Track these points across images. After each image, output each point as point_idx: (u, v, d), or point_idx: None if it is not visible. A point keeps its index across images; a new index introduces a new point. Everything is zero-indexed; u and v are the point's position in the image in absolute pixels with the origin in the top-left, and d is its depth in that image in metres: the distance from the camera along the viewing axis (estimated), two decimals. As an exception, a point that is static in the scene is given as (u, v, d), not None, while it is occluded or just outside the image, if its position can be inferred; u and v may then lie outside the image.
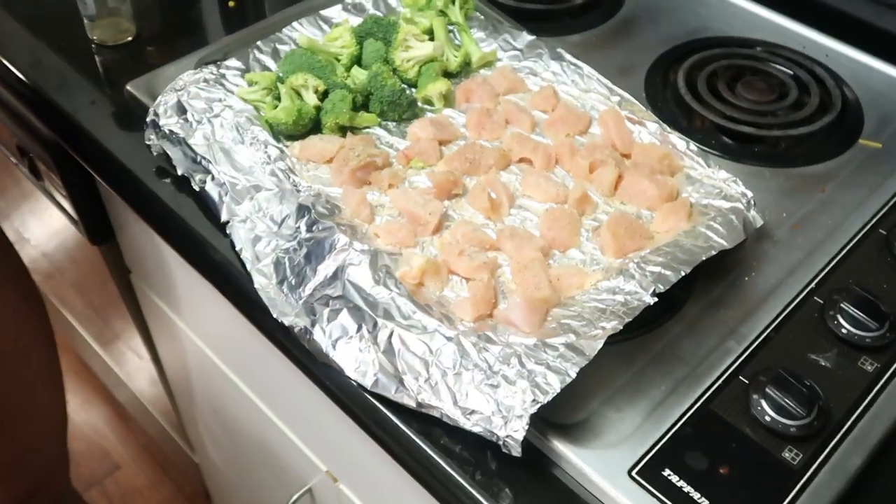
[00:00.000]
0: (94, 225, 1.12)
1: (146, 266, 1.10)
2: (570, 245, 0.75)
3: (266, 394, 1.00)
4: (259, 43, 0.91)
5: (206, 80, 0.85)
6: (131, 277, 1.18)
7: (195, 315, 1.06)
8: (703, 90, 0.94)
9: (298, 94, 0.84)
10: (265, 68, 0.89)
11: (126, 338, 1.46)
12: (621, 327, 0.65)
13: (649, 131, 0.84)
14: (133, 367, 1.58)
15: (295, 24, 0.93)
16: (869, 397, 0.66)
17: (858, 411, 0.65)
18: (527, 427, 0.59)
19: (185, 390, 1.31)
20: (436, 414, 0.63)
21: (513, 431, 0.60)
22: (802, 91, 0.95)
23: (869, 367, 0.68)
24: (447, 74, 0.91)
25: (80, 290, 1.55)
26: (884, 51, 0.99)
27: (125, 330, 1.38)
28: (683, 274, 0.69)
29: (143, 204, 0.86)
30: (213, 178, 0.78)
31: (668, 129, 0.84)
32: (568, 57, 0.92)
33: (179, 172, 0.81)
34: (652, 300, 0.67)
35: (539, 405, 0.60)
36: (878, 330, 0.69)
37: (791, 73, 0.97)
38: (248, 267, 0.73)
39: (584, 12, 1.07)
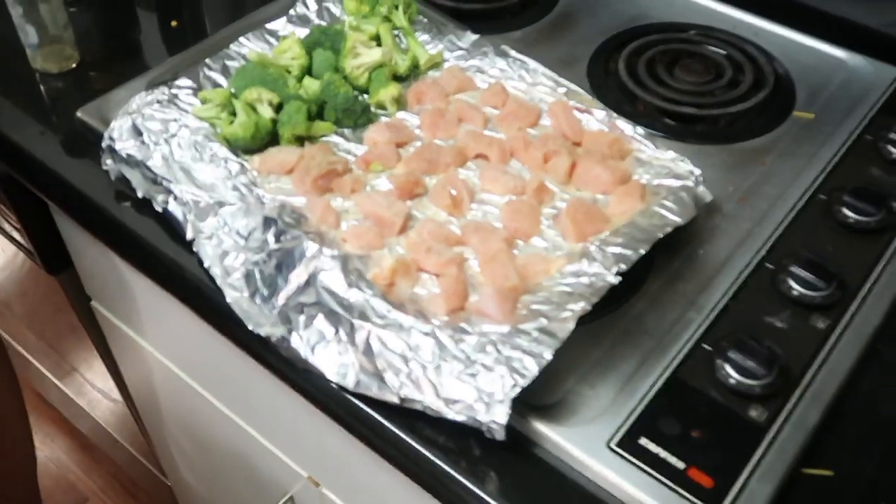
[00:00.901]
0: (51, 255, 1.12)
1: (108, 292, 1.11)
2: (532, 234, 0.78)
3: (241, 407, 1.01)
4: (208, 61, 0.92)
5: (158, 102, 0.86)
6: (92, 304, 1.18)
7: (163, 336, 1.06)
8: (644, 75, 0.98)
9: (254, 109, 0.86)
10: (217, 85, 0.91)
11: (87, 367, 1.45)
12: (590, 308, 0.68)
13: (597, 119, 0.88)
14: (95, 397, 1.57)
15: (241, 39, 0.95)
16: (823, 353, 0.71)
17: (814, 368, 0.70)
18: (509, 411, 0.62)
19: (154, 413, 1.30)
20: (419, 407, 0.66)
21: (496, 416, 0.63)
22: (737, 70, 1.00)
23: (821, 325, 0.73)
24: (397, 78, 0.94)
25: (32, 323, 1.53)
26: (809, 26, 1.05)
27: (86, 359, 1.38)
28: (643, 252, 0.72)
29: (106, 229, 0.87)
30: (175, 198, 0.79)
31: (615, 115, 0.88)
32: (513, 53, 0.95)
33: (140, 195, 0.82)
34: (615, 279, 0.70)
35: (519, 388, 0.63)
36: (826, 289, 0.74)
37: (725, 53, 1.02)
38: (219, 282, 0.75)
39: (522, 9, 1.10)
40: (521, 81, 0.94)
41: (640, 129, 0.86)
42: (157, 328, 1.06)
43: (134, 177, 0.83)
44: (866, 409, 0.69)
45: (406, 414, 0.67)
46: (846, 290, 0.75)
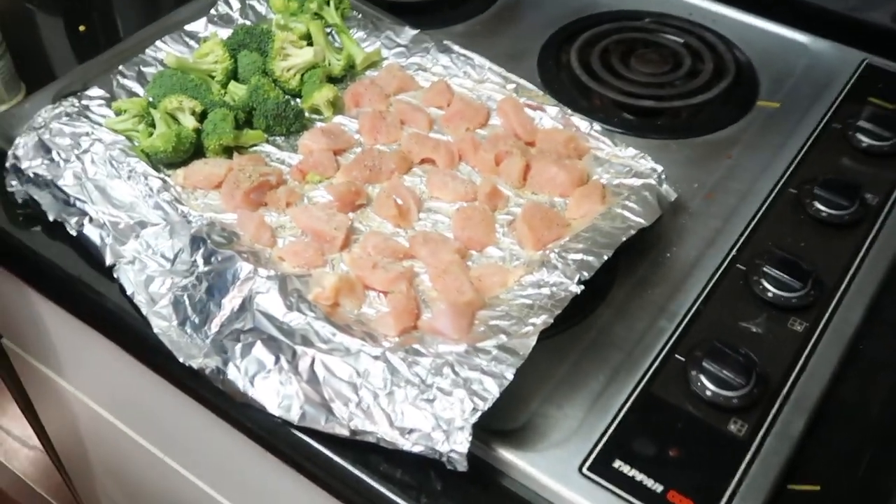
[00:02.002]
0: (-47, 289, 1.08)
1: (21, 327, 1.07)
2: (486, 243, 0.77)
3: (176, 449, 0.98)
4: (121, 67, 0.90)
5: (67, 114, 0.83)
6: (3, 342, 1.14)
7: (85, 375, 1.03)
8: (598, 68, 0.99)
9: (174, 118, 0.84)
10: (132, 94, 0.88)
11: (0, 412, 1.41)
12: (552, 321, 0.67)
13: (550, 116, 0.88)
14: (12, 446, 1.52)
15: (158, 43, 0.93)
16: (802, 358, 0.71)
17: (794, 373, 0.70)
18: (470, 438, 0.61)
19: (79, 460, 1.27)
20: (371, 439, 0.64)
21: (456, 445, 0.61)
22: (696, 59, 1.01)
23: (798, 328, 0.73)
24: (332, 80, 0.93)
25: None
26: (769, 10, 1.06)
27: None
28: (606, 258, 0.72)
29: (14, 258, 0.84)
30: (90, 220, 0.77)
31: (569, 111, 0.88)
32: (456, 48, 0.95)
33: (51, 218, 0.79)
34: (578, 289, 0.70)
35: (479, 413, 0.62)
36: (802, 289, 0.74)
37: (682, 41, 1.03)
38: (144, 311, 0.73)
39: (462, 1, 1.10)
40: (466, 78, 0.93)
41: (596, 126, 0.86)
42: (77, 366, 1.03)
43: (43, 198, 0.80)
44: (852, 414, 0.69)
45: (358, 447, 0.65)
46: (823, 288, 0.75)
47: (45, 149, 0.81)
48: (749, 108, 0.96)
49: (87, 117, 0.84)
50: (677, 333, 0.72)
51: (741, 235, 0.80)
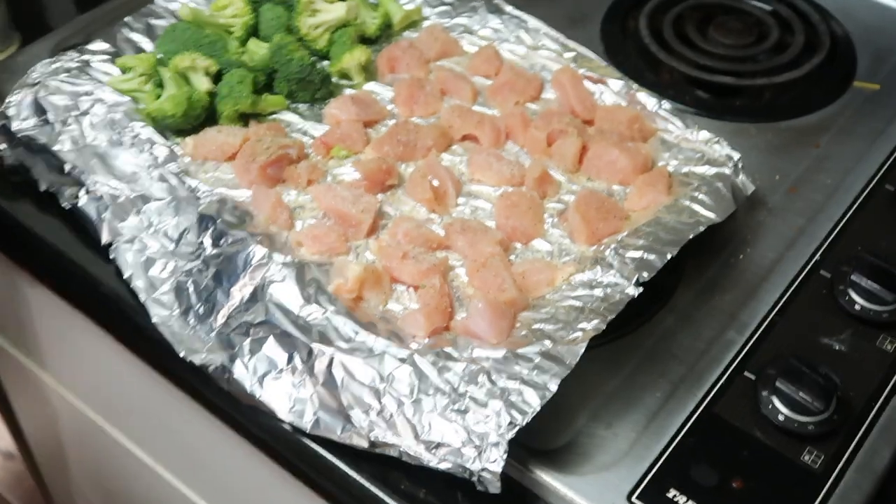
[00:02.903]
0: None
1: (1, 311, 1.09)
2: (533, 235, 0.78)
3: (170, 456, 1.00)
4: (128, 19, 0.91)
5: (67, 70, 0.85)
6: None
7: (71, 368, 1.05)
8: (671, 37, 0.99)
9: (185, 79, 0.85)
10: (139, 50, 0.90)
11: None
12: (604, 326, 0.68)
13: (613, 91, 0.88)
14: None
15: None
16: (892, 381, 0.71)
17: (882, 399, 0.70)
18: (505, 456, 0.62)
19: (58, 466, 1.29)
20: (393, 453, 0.65)
21: (489, 463, 0.62)
22: (784, 30, 1.00)
23: (889, 347, 0.73)
24: (365, 41, 0.94)
25: None
26: (873, -25, 1.06)
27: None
28: (670, 257, 0.72)
29: (-1, 231, 0.86)
30: (87, 192, 0.79)
31: (635, 85, 0.88)
32: (508, 8, 0.95)
33: (43, 188, 0.81)
34: (636, 291, 0.70)
35: (517, 428, 0.63)
36: (895, 303, 0.74)
37: (769, 8, 1.03)
38: (142, 297, 0.74)
39: (519, -47, 1.11)
40: (518, 44, 0.93)
41: (665, 104, 0.87)
42: (63, 357, 1.05)
43: (35, 165, 0.82)
44: (946, 449, 0.69)
45: (378, 461, 0.66)
46: (920, 302, 0.75)
47: (39, 109, 0.83)
48: (844, 89, 0.96)
49: (87, 74, 0.86)
50: (748, 347, 0.73)
51: (827, 237, 0.80)
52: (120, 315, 0.77)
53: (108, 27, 0.91)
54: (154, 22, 0.92)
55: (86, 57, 0.87)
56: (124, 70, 0.86)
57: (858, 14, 1.03)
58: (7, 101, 0.84)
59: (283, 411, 0.67)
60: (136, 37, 0.91)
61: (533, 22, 0.94)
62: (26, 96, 0.84)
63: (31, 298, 0.98)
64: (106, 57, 0.88)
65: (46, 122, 0.82)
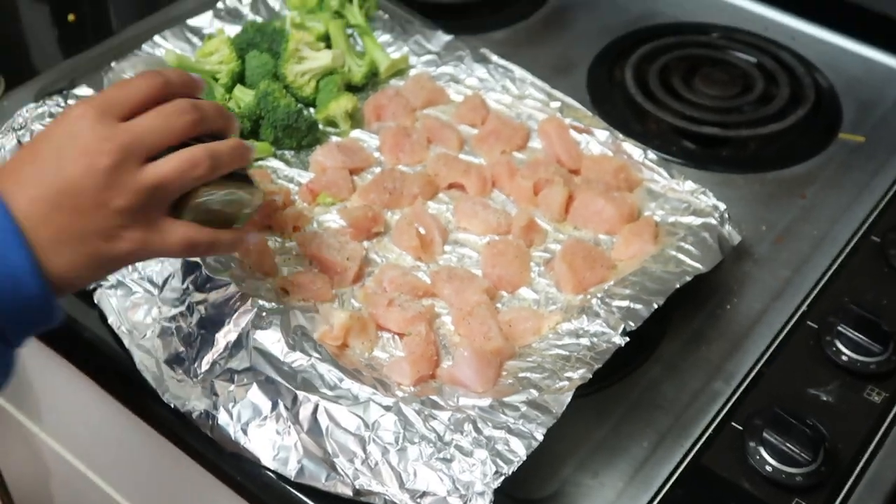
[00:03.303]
0: None
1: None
2: (519, 283, 0.79)
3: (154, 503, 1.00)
4: (114, 64, 0.92)
5: (51, 115, 0.86)
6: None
7: (53, 414, 1.05)
8: (657, 87, 1.01)
9: (171, 125, 0.86)
10: (125, 95, 0.91)
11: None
12: (590, 376, 0.69)
13: (599, 140, 0.90)
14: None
15: (157, 38, 0.96)
16: (880, 433, 0.72)
17: (869, 450, 0.71)
18: (491, 506, 0.63)
19: (37, 510, 1.28)
20: (378, 502, 0.65)
21: (474, 513, 0.63)
22: (769, 81, 1.02)
23: (876, 398, 0.74)
24: (351, 88, 0.95)
25: None
26: (857, 29, 1.08)
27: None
28: (656, 307, 0.73)
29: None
30: (71, 236, 0.79)
31: (621, 136, 0.90)
32: (494, 58, 0.97)
33: (26, 232, 0.82)
34: (622, 340, 0.71)
35: (503, 477, 0.63)
36: (881, 354, 0.75)
37: (754, 60, 1.05)
38: (126, 343, 0.74)
39: (506, 3, 1.13)
40: (504, 93, 0.95)
41: (651, 154, 0.88)
42: (45, 403, 1.04)
43: (18, 209, 0.82)
44: (934, 500, 0.70)
45: (362, 510, 0.67)
46: (906, 353, 0.76)
47: (24, 153, 0.83)
48: (829, 141, 0.98)
49: (72, 119, 0.87)
50: (735, 397, 0.73)
51: (813, 288, 0.82)
52: (103, 360, 0.78)
53: (93, 72, 0.92)
54: (140, 68, 0.93)
55: (71, 101, 0.88)
56: (110, 115, 0.87)
57: (843, 66, 1.05)
58: (-9, 145, 0.85)
59: (268, 459, 0.68)
60: (123, 82, 0.92)
61: (519, 71, 0.96)
62: (10, 140, 0.84)
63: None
64: (92, 102, 0.89)
65: (31, 166, 0.83)
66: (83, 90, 0.90)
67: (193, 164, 0.60)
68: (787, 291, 0.82)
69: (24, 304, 0.57)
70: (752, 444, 0.69)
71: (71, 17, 1.09)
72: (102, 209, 0.58)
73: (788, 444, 0.68)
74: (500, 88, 0.95)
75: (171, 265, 0.76)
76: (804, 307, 0.80)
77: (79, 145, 0.57)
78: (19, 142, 0.84)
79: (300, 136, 0.89)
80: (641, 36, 1.08)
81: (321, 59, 0.93)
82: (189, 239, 0.62)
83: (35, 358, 0.92)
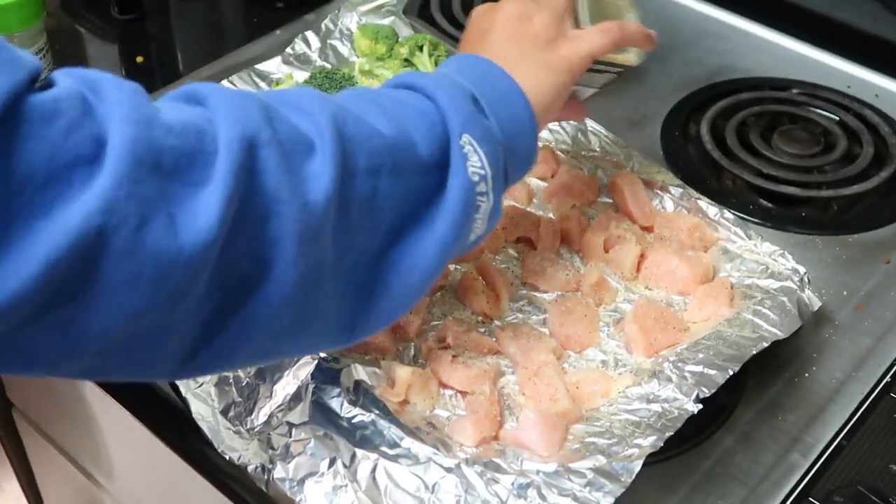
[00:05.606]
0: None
1: (35, 397, 1.11)
2: (587, 343, 0.79)
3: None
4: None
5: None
6: (14, 412, 1.19)
7: (102, 458, 1.06)
8: (734, 143, 1.00)
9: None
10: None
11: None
12: (661, 443, 0.68)
13: (673, 197, 0.89)
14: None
15: (224, 82, 0.98)
16: (969, 515, 0.70)
17: (958, 533, 0.69)
18: (554, 577, 0.62)
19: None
20: (437, 566, 0.65)
21: (536, 583, 0.62)
22: (852, 140, 1.01)
23: (966, 477, 0.72)
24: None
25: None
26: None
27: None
28: (731, 373, 0.72)
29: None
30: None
31: (696, 193, 0.89)
32: (566, 110, 0.98)
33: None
34: (695, 408, 0.70)
35: (568, 547, 0.63)
36: (971, 430, 0.74)
37: (837, 118, 1.04)
38: (183, 391, 0.75)
39: (578, 53, 1.13)
40: (575, 146, 0.95)
41: (727, 213, 0.88)
42: (94, 447, 1.06)
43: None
44: None
45: (418, 575, 0.66)
46: None
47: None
48: (915, 203, 0.96)
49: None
50: (813, 471, 0.72)
51: (898, 357, 0.80)
52: (156, 407, 0.79)
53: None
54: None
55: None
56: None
57: (930, 126, 1.04)
58: None
59: (324, 516, 0.68)
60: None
61: (591, 124, 0.96)
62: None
63: (65, 386, 1.00)
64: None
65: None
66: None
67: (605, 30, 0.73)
68: (870, 360, 0.80)
69: (522, 136, 0.64)
70: (830, 521, 0.68)
71: (139, 60, 1.12)
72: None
73: (870, 524, 0.67)
74: (571, 141, 0.96)
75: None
76: (888, 378, 0.79)
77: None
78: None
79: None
80: (718, 90, 1.08)
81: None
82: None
83: (86, 400, 0.94)
